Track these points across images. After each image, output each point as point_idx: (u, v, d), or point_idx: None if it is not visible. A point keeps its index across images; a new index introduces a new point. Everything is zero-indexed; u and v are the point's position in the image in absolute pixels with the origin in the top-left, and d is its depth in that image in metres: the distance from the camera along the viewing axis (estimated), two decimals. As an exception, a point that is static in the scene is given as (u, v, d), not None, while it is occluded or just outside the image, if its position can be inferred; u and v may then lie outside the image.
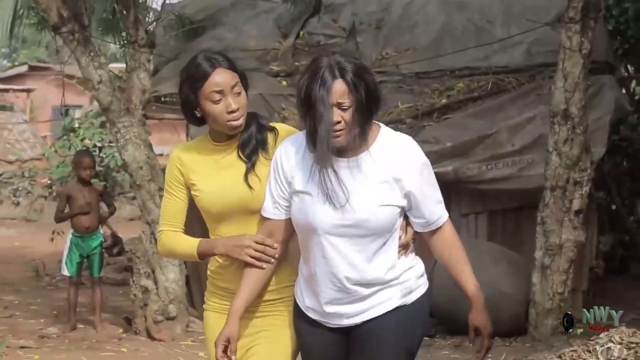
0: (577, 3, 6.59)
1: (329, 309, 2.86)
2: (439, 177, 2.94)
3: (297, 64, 8.80)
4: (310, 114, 2.73)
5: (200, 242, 2.99)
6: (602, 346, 3.80)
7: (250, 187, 2.93)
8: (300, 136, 2.89)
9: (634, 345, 3.75)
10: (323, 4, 9.71)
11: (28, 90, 26.13)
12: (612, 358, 3.73)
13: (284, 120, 7.83)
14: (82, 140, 14.55)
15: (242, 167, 2.96)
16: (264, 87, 8.46)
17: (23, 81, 26.77)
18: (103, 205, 8.07)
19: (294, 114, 7.91)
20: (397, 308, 2.85)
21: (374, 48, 8.96)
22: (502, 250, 7.38)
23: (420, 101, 8.32)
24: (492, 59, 8.55)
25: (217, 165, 3.00)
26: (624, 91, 9.84)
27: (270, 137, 3.00)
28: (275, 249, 2.92)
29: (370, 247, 2.81)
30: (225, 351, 2.87)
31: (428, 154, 2.89)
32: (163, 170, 5.26)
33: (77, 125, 15.86)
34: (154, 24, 8.21)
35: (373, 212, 2.76)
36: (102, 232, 7.95)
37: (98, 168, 12.28)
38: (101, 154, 14.74)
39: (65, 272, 7.72)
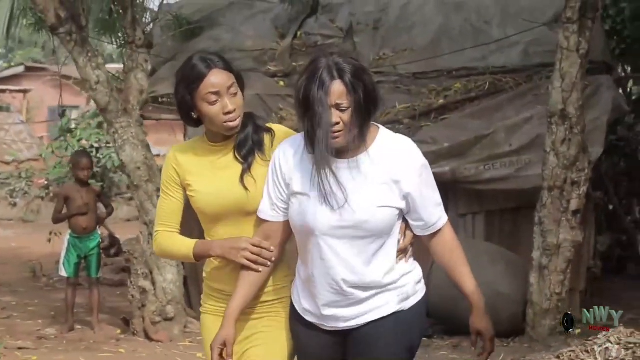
0: (575, 3, 6.59)
1: (326, 311, 2.84)
2: (437, 177, 2.93)
3: (294, 64, 8.80)
4: (308, 115, 2.72)
5: (197, 243, 2.98)
6: (600, 346, 3.80)
7: (246, 188, 2.92)
8: (299, 138, 2.88)
9: (632, 345, 3.75)
10: (320, 4, 9.71)
11: (24, 91, 26.11)
12: (610, 358, 3.73)
13: (281, 120, 7.83)
14: (79, 141, 14.53)
15: (238, 168, 2.95)
16: (262, 88, 8.47)
17: (19, 82, 26.74)
18: (101, 206, 8.06)
19: (292, 114, 7.91)
20: (394, 313, 2.83)
21: (371, 48, 8.97)
22: (499, 251, 7.38)
23: (417, 101, 8.32)
24: (489, 60, 8.56)
25: (213, 166, 2.99)
26: (620, 91, 9.85)
27: (266, 138, 2.99)
28: (272, 251, 2.91)
29: (368, 249, 2.79)
30: (221, 355, 2.86)
31: (426, 155, 2.88)
32: (160, 170, 5.25)
33: (73, 126, 15.84)
34: (152, 24, 8.21)
35: (372, 214, 2.75)
36: (99, 232, 7.94)
37: (95, 169, 12.26)
38: (98, 155, 14.73)
39: (63, 273, 7.72)
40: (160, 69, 8.74)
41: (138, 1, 7.71)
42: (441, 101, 8.31)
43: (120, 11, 7.57)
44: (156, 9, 8.61)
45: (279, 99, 8.41)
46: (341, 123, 2.71)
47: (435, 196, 2.88)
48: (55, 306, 8.65)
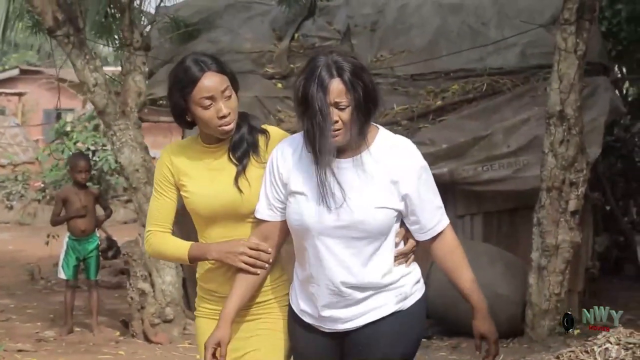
0: (573, 4, 6.60)
1: (325, 312, 2.83)
2: (435, 178, 2.90)
3: (292, 66, 8.81)
4: (307, 114, 2.70)
5: (192, 246, 2.95)
6: (599, 347, 3.80)
7: (240, 190, 2.90)
8: (297, 137, 2.86)
9: (631, 345, 3.75)
10: (318, 6, 9.72)
11: (19, 94, 26.04)
12: (610, 358, 3.73)
13: (279, 122, 7.84)
14: (75, 143, 14.50)
15: (232, 170, 2.93)
16: (260, 90, 8.47)
17: (14, 85, 26.65)
18: (99, 208, 8.06)
19: (290, 116, 7.92)
20: (392, 314, 2.82)
21: (368, 50, 8.97)
22: (498, 252, 7.38)
23: (415, 103, 8.33)
24: (486, 61, 8.57)
25: (207, 167, 2.97)
26: (617, 92, 9.87)
27: (261, 140, 2.96)
28: (269, 253, 2.90)
29: (365, 250, 2.78)
30: (214, 355, 2.84)
31: (424, 156, 2.87)
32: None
33: (69, 128, 15.81)
34: (149, 27, 8.21)
35: (370, 214, 2.74)
36: (98, 235, 7.94)
37: (92, 171, 12.24)
38: (94, 158, 14.70)
39: (62, 275, 7.71)
40: (158, 71, 8.73)
41: (135, 4, 7.71)
42: (439, 102, 8.32)
43: (118, 14, 7.56)
44: (153, 11, 8.62)
45: (277, 101, 8.42)
46: (340, 122, 2.70)
47: (435, 199, 2.85)
48: (54, 309, 8.64)
